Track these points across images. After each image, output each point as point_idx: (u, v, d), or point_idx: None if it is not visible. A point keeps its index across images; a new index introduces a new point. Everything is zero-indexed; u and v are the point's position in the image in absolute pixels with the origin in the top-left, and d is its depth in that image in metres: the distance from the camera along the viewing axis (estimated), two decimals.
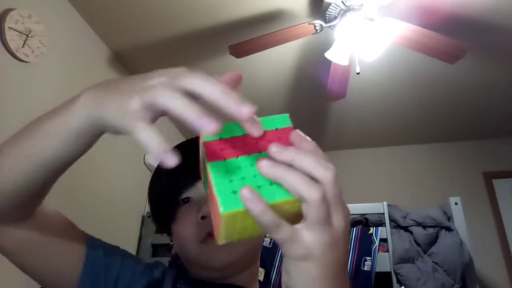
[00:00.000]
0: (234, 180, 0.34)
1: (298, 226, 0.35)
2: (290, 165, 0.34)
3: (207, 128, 0.30)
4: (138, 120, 0.32)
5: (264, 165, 0.34)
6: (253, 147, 0.36)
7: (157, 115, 0.34)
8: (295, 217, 0.35)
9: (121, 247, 0.65)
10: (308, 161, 0.34)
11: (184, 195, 0.65)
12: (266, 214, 0.32)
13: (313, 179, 0.34)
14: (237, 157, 0.36)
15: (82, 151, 0.44)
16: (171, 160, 0.31)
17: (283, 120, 0.39)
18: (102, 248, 0.61)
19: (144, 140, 0.31)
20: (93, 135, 0.41)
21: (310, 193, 0.33)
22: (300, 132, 0.37)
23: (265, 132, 0.37)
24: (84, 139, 0.42)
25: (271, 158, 0.35)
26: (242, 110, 0.31)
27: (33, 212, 0.52)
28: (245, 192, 0.32)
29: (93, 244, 0.60)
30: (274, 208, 0.33)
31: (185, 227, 0.63)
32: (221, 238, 0.36)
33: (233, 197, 0.33)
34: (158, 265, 0.67)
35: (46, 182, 0.47)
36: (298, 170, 0.34)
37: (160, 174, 0.69)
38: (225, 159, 0.35)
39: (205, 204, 0.61)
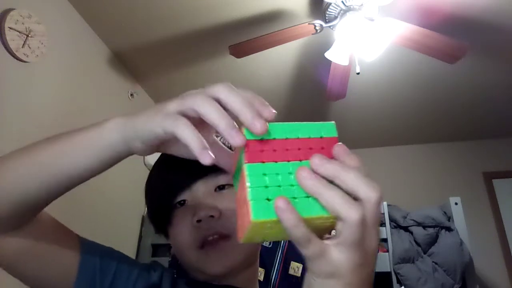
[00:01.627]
0: (270, 187, 0.33)
1: (328, 242, 0.33)
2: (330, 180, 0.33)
3: (233, 140, 0.33)
4: (179, 119, 0.35)
5: (304, 177, 0.33)
6: (294, 153, 0.35)
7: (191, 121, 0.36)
8: (325, 230, 0.34)
9: (119, 248, 0.64)
10: (352, 178, 0.33)
11: (179, 198, 0.63)
12: (298, 228, 0.31)
13: (354, 197, 0.33)
14: (276, 162, 0.34)
15: (103, 170, 0.45)
16: (208, 159, 0.33)
17: (329, 129, 0.37)
18: (96, 251, 0.59)
19: (186, 137, 0.34)
20: (119, 156, 0.43)
21: (349, 213, 0.31)
22: (345, 146, 0.36)
23: (308, 139, 0.35)
24: (111, 159, 0.43)
25: (312, 168, 0.33)
26: (255, 126, 0.33)
27: (32, 220, 0.50)
28: (280, 203, 0.31)
29: (87, 248, 0.58)
30: (306, 222, 0.32)
31: (181, 232, 0.62)
32: (244, 238, 0.35)
33: (266, 204, 0.32)
34: (155, 267, 0.65)
35: (59, 194, 0.46)
36: (339, 186, 0.33)
37: (155, 176, 0.68)
38: (263, 162, 0.34)
39: (200, 207, 0.60)
